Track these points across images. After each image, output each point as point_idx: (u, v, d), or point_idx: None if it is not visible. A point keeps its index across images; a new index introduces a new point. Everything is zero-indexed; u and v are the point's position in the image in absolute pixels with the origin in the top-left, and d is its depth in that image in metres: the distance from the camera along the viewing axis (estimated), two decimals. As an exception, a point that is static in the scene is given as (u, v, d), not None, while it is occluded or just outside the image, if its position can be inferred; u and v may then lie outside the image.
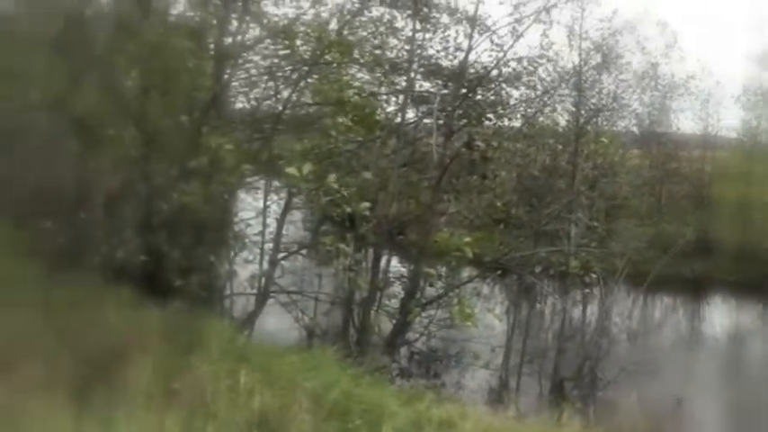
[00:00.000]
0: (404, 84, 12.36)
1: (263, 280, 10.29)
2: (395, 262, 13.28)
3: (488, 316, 12.71)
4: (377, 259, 11.91)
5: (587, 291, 14.81)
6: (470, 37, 13.54)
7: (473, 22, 13.50)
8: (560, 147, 16.25)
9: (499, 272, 13.98)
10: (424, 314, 12.04)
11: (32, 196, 10.20)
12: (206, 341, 7.56)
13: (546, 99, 14.91)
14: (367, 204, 9.61)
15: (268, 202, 11.03)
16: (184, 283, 9.20)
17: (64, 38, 8.50)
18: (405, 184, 12.13)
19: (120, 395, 5.49)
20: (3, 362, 5.55)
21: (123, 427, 5.02)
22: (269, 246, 10.40)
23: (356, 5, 10.87)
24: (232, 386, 5.86)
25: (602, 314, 14.37)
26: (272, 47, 9.81)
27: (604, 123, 18.25)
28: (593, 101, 16.93)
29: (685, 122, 28.85)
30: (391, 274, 12.52)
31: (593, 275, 13.27)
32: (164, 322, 7.90)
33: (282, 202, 10.73)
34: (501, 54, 13.65)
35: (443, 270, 11.86)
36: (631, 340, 16.80)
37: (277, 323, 11.43)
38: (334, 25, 10.30)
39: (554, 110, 16.22)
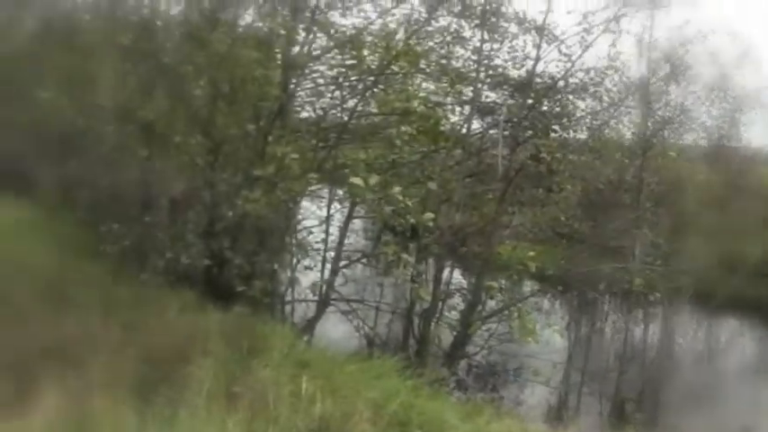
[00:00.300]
0: (470, 94, 12.23)
1: (324, 287, 10.33)
2: (456, 274, 13.16)
3: (549, 332, 12.45)
4: (439, 270, 11.82)
5: (651, 310, 14.38)
6: (538, 47, 13.30)
7: (541, 31, 13.27)
8: (626, 160, 15.84)
9: (561, 287, 13.70)
10: (484, 327, 11.91)
11: (101, 199, 10.50)
12: (267, 346, 7.60)
13: (612, 111, 14.54)
14: (430, 215, 9.54)
15: (331, 211, 11.07)
16: (246, 288, 9.31)
17: (135, 48, 8.73)
18: (469, 196, 11.98)
19: (183, 396, 5.54)
20: (69, 360, 5.67)
21: (186, 427, 5.07)
22: (331, 254, 10.45)
23: (423, 15, 10.84)
24: (294, 391, 5.87)
25: (667, 335, 13.93)
26: (338, 57, 9.86)
27: (672, 137, 17.70)
28: (661, 113, 16.47)
29: (757, 136, 27.75)
30: (453, 286, 12.42)
31: (658, 294, 12.89)
32: (226, 326, 7.99)
33: (345, 211, 10.76)
34: (569, 64, 13.37)
35: (505, 283, 11.70)
36: (696, 363, 16.23)
37: (337, 331, 11.45)
38: (401, 35, 10.28)
39: (620, 122, 15.80)
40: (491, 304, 11.92)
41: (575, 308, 14.96)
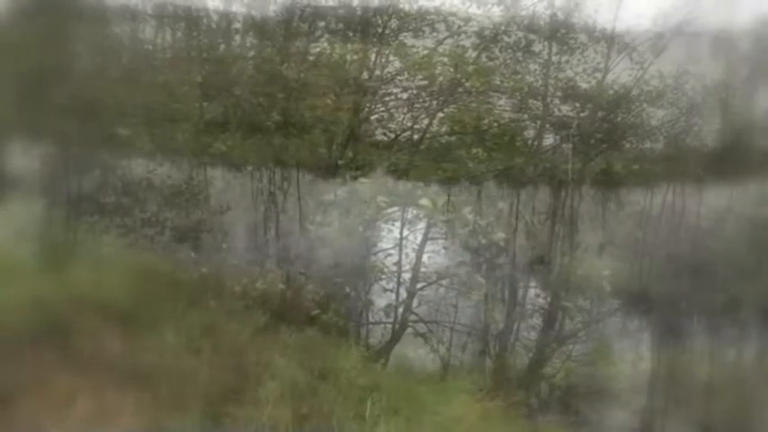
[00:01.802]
0: (541, 108, 11.98)
1: (401, 309, 10.28)
2: (532, 293, 12.87)
3: (631, 353, 12.05)
4: (514, 290, 11.59)
5: (741, 330, 13.73)
6: (608, 56, 12.94)
7: (611, 40, 12.91)
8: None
9: (644, 306, 13.24)
10: (562, 348, 11.59)
11: (179, 228, 10.65)
12: (337, 368, 7.58)
13: (690, 118, 14.01)
14: (502, 234, 9.40)
15: (407, 232, 10.97)
16: (320, 311, 9.39)
17: (210, 83, 8.90)
18: (543, 213, 11.73)
19: (251, 416, 5.61)
20: (145, 380, 5.82)
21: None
22: (407, 276, 10.38)
23: (492, 32, 10.68)
24: (359, 413, 5.89)
25: (761, 359, 13.26)
26: (410, 78, 9.79)
27: (758, 143, 16.94)
28: (745, 117, 15.77)
29: None
30: (529, 306, 12.14)
31: (748, 312, 12.30)
32: (297, 349, 8.02)
33: (421, 233, 10.66)
34: (641, 72, 12.97)
35: (584, 303, 11.37)
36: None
37: (414, 352, 11.32)
38: (471, 53, 10.16)
39: (700, 129, 15.20)
40: (570, 325, 11.60)
41: (659, 328, 14.41)
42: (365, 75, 9.37)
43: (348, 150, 9.46)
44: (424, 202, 9.20)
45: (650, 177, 13.21)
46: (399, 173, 10.06)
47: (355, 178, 9.32)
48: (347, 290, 10.15)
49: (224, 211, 9.84)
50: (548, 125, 12.26)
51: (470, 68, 9.77)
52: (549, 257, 11.69)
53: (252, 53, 9.17)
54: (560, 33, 12.18)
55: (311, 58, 9.24)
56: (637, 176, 12.21)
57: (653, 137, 13.58)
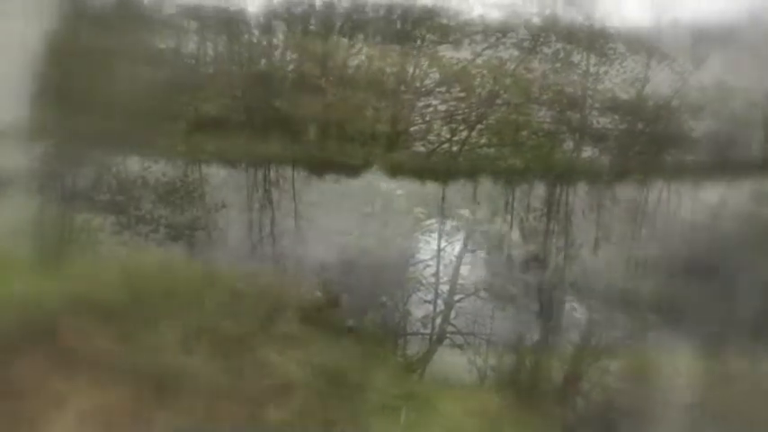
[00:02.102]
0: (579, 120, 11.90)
1: (438, 320, 10.31)
2: (569, 307, 12.75)
3: (671, 369, 11.84)
4: (551, 303, 11.48)
5: None
6: (647, 66, 12.81)
7: (650, 50, 12.79)
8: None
9: (682, 319, 13.02)
10: (599, 363, 11.43)
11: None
12: (374, 379, 7.60)
13: (734, 130, 13.78)
14: (535, 246, 9.37)
15: (445, 243, 10.98)
16: (357, 322, 9.44)
17: (250, 96, 9.05)
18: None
19: (284, 420, 5.66)
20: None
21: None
22: (444, 287, 10.40)
23: (531, 43, 10.66)
24: (394, 423, 5.91)
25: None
26: (448, 90, 9.82)
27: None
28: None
29: None
30: (565, 320, 12.02)
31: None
32: (334, 360, 8.07)
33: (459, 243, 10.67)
34: (681, 83, 12.81)
35: (622, 317, 11.22)
36: None
37: (451, 364, 11.30)
38: (510, 65, 10.16)
39: (746, 141, 14.93)
40: (607, 339, 11.43)
41: (700, 342, 14.14)
42: (403, 87, 9.39)
43: (386, 161, 9.47)
44: (463, 212, 9.20)
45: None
46: (438, 184, 10.06)
47: (390, 190, 9.34)
48: (384, 300, 10.20)
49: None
50: (586, 137, 12.19)
51: (509, 80, 9.73)
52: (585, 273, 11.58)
53: (291, 67, 9.28)
54: (599, 44, 12.12)
55: (350, 71, 9.31)
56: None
57: (695, 149, 13.41)
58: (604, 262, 11.57)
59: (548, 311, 11.46)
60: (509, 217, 10.42)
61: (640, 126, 12.69)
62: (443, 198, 10.08)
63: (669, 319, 12.63)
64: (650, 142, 12.77)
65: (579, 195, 12.18)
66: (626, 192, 12.13)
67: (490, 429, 6.45)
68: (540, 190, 11.53)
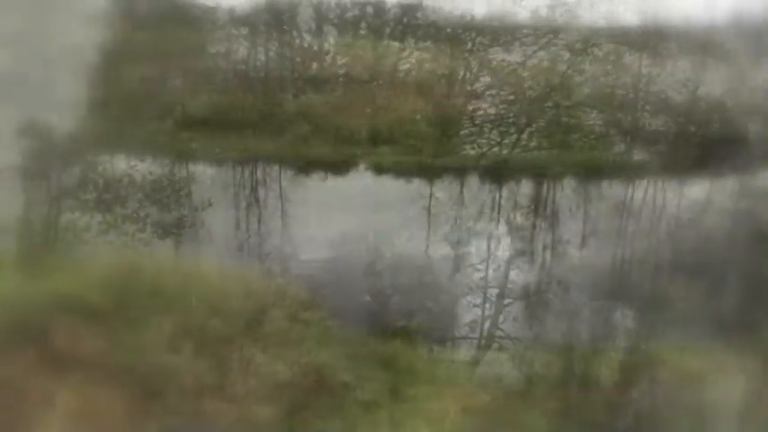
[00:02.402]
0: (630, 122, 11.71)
1: (486, 324, 10.24)
2: (619, 314, 12.55)
3: (721, 376, 11.56)
4: (599, 310, 11.30)
5: None
6: (702, 67, 12.55)
7: (704, 50, 12.53)
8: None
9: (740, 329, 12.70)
10: (649, 372, 11.20)
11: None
12: (416, 378, 7.61)
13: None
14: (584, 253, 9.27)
15: (493, 247, 10.90)
16: (406, 323, 9.48)
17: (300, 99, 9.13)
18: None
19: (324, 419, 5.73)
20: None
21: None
22: (493, 291, 10.32)
23: (583, 45, 10.52)
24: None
25: None
26: (499, 93, 9.74)
27: None
28: None
29: None
30: (615, 325, 11.82)
31: None
32: (379, 359, 8.07)
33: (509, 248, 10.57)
34: (736, 84, 12.53)
35: (672, 322, 10.99)
36: None
37: (501, 367, 11.21)
38: (561, 67, 10.04)
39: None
40: (656, 345, 11.20)
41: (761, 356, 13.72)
42: (453, 91, 9.36)
43: (434, 164, 9.46)
44: (513, 217, 9.12)
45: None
46: (487, 187, 10.00)
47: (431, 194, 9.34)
48: (433, 304, 10.18)
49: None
50: (637, 139, 11.98)
51: (559, 83, 9.62)
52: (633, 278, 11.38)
53: (342, 71, 9.31)
54: (652, 44, 11.91)
55: (400, 75, 9.31)
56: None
57: (749, 150, 13.10)
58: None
59: (597, 318, 11.30)
60: (561, 220, 10.31)
61: (693, 128, 12.45)
62: (495, 201, 10.01)
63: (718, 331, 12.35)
64: (704, 144, 12.53)
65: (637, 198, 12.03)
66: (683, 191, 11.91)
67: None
68: (593, 193, 11.40)
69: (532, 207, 9.87)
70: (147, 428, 5.72)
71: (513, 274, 11.04)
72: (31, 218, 8.77)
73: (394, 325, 9.30)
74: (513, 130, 9.82)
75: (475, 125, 9.81)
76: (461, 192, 10.00)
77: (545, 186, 10.42)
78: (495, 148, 10.02)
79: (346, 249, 10.35)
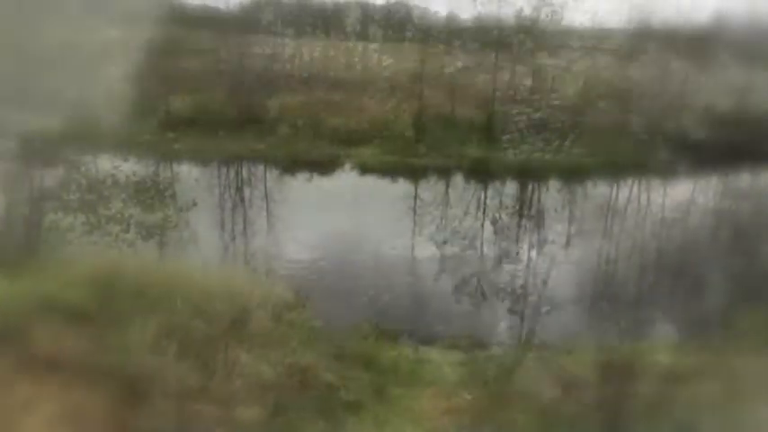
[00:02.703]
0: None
1: (524, 331, 10.12)
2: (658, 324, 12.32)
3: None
4: (638, 320, 11.10)
5: None
6: (750, 74, 12.29)
7: (754, 57, 12.26)
8: None
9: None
10: (690, 386, 10.95)
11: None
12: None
13: None
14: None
15: (534, 255, 10.76)
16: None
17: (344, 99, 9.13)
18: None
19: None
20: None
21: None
22: (532, 299, 10.18)
23: (628, 50, 10.37)
24: None
25: None
26: (543, 98, 9.65)
27: None
28: None
29: None
30: (652, 337, 11.59)
31: None
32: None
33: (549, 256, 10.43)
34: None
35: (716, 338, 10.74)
36: None
37: (536, 376, 11.04)
38: (606, 72, 9.91)
39: None
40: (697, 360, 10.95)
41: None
42: (498, 94, 9.29)
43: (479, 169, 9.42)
44: (553, 225, 9.03)
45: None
46: (531, 191, 9.93)
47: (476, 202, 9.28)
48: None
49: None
50: (682, 146, 11.76)
51: (604, 88, 9.51)
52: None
53: (387, 74, 9.28)
54: (699, 51, 11.70)
55: (445, 78, 9.28)
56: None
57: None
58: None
59: (636, 328, 11.09)
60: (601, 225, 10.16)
61: (739, 136, 12.18)
62: (537, 204, 9.91)
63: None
64: (752, 153, 12.26)
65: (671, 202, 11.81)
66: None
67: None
68: (639, 200, 11.21)
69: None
70: (131, 430, 5.68)
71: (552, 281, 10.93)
72: (14, 218, 8.67)
73: (378, 325, 9.29)
74: (555, 135, 9.71)
75: (518, 129, 9.71)
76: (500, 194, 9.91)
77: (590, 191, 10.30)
78: (538, 153, 9.92)
79: (331, 250, 10.31)
